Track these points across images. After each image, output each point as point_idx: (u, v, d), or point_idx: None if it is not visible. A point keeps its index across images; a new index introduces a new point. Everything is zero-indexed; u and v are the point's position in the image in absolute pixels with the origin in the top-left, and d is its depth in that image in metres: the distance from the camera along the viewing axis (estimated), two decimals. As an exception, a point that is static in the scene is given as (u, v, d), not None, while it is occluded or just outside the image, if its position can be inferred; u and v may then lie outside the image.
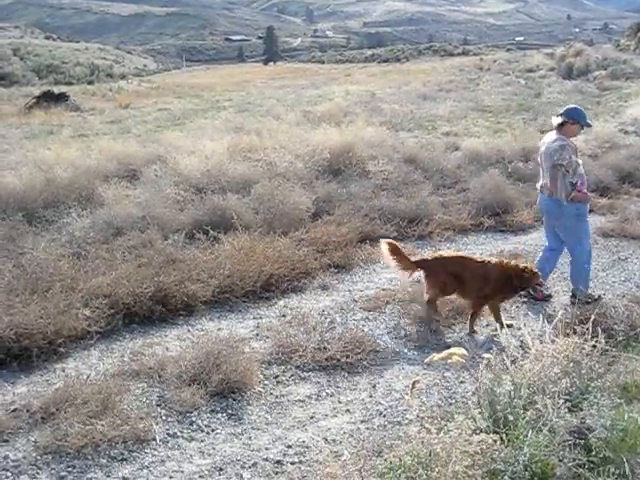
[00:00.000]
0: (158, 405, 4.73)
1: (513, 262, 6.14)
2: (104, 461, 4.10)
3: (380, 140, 12.85)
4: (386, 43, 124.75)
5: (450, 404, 4.66)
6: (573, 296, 6.31)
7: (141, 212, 8.34)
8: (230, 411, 4.69)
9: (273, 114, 18.93)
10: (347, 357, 5.31)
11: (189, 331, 5.96)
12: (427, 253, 6.67)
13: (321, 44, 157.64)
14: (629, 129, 15.43)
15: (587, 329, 4.04)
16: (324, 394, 4.92)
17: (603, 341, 4.01)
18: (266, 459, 4.15)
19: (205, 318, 6.23)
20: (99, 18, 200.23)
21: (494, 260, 6.10)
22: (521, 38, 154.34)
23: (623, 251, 7.96)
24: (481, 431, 3.36)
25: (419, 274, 6.16)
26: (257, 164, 10.62)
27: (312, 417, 4.63)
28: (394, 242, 6.18)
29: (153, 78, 54.86)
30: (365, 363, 5.33)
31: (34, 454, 4.16)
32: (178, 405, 4.67)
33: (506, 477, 3.07)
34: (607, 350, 4.13)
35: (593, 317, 4.19)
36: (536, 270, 6.07)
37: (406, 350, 5.60)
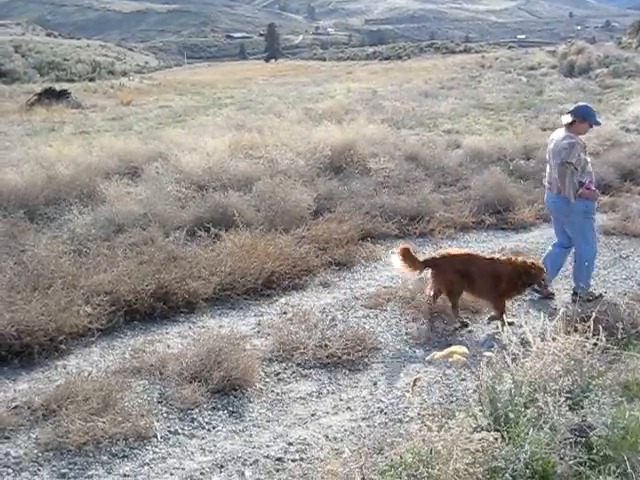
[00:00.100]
0: (159, 402, 4.74)
1: (520, 258, 6.14)
2: (105, 458, 4.11)
3: (381, 138, 12.84)
4: (388, 40, 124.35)
5: (451, 402, 4.66)
6: (574, 294, 6.30)
7: (142, 209, 8.35)
8: (231, 408, 4.70)
9: (274, 111, 18.91)
10: (348, 354, 5.31)
11: (190, 328, 5.97)
12: (435, 251, 6.65)
13: (323, 41, 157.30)
14: (631, 127, 15.42)
15: (588, 327, 4.04)
16: (325, 391, 4.93)
17: (604, 339, 4.01)
18: (267, 456, 4.16)
19: (206, 315, 6.23)
20: (100, 15, 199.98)
21: (503, 257, 6.11)
22: (523, 36, 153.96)
23: (624, 249, 7.96)
24: (482, 429, 3.36)
25: (425, 272, 6.16)
26: (258, 161, 10.62)
27: (313, 414, 4.64)
28: (408, 247, 6.08)
29: (154, 75, 54.79)
30: (366, 360, 5.33)
31: (35, 451, 4.17)
32: (179, 402, 4.67)
33: (507, 475, 3.07)
34: (608, 348, 4.12)
35: (594, 315, 4.18)
36: (542, 266, 6.09)
37: (407, 348, 5.60)
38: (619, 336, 4.38)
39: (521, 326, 4.22)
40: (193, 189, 9.35)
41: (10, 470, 4.01)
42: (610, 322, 4.91)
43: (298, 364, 5.28)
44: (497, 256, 6.18)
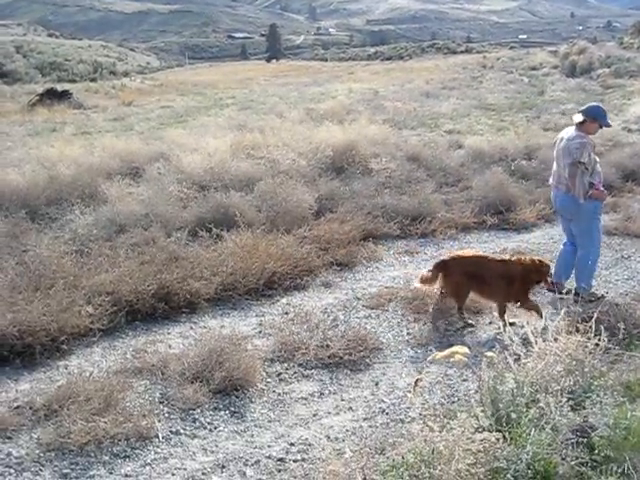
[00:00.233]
0: (161, 402, 4.74)
1: (527, 257, 6.16)
2: (107, 458, 4.11)
3: (383, 138, 12.83)
4: (389, 41, 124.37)
5: (453, 402, 4.66)
6: (576, 294, 6.29)
7: (144, 209, 8.35)
8: (233, 408, 4.70)
9: (276, 112, 18.92)
10: (350, 355, 5.31)
11: (192, 328, 5.97)
12: (446, 253, 6.68)
13: (324, 42, 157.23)
14: (632, 127, 15.41)
15: (590, 327, 4.04)
16: (327, 392, 4.93)
17: (606, 339, 4.01)
18: (269, 456, 4.16)
19: (208, 316, 6.23)
20: (102, 15, 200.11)
21: (513, 258, 6.12)
22: (524, 36, 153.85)
23: (626, 249, 7.95)
24: (484, 429, 3.36)
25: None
26: (260, 162, 10.61)
27: (315, 415, 4.63)
28: (424, 277, 6.21)
29: (156, 75, 54.81)
30: (368, 361, 5.33)
31: (37, 451, 4.17)
32: (181, 402, 4.67)
33: (509, 475, 3.07)
34: (610, 348, 4.12)
35: (596, 315, 4.18)
36: (548, 263, 6.14)
37: (409, 348, 5.60)
38: (621, 336, 4.38)
39: (523, 326, 4.22)
40: (195, 189, 9.34)
41: (12, 470, 4.01)
42: (612, 322, 4.91)
43: (300, 364, 5.28)
44: (507, 257, 6.19)
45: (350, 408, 4.71)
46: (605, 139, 12.91)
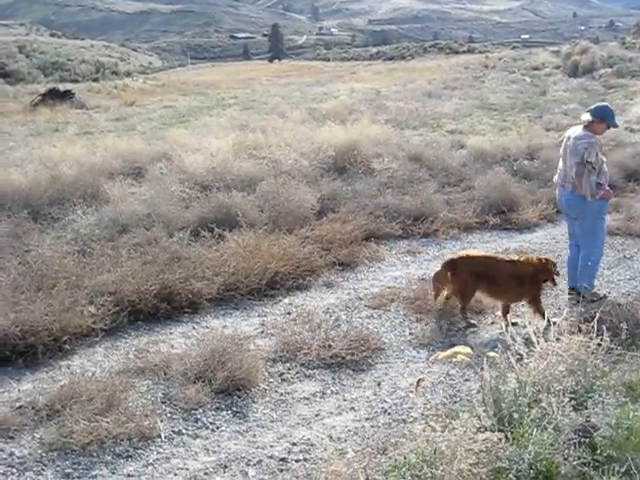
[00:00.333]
0: (163, 402, 4.74)
1: (534, 257, 6.16)
2: (109, 458, 4.11)
3: (385, 138, 12.83)
4: (391, 41, 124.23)
5: (455, 402, 4.65)
6: (578, 294, 6.29)
7: (146, 209, 8.35)
8: (235, 408, 4.70)
9: (278, 112, 18.92)
10: (352, 355, 5.31)
11: (194, 328, 5.97)
12: (455, 252, 6.70)
13: (326, 42, 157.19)
14: (635, 127, 15.41)
15: (592, 327, 4.03)
16: (329, 392, 4.93)
17: (608, 339, 4.01)
18: (271, 456, 4.16)
19: (210, 316, 6.23)
20: (104, 15, 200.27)
21: (522, 258, 6.11)
22: (527, 36, 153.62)
23: (628, 249, 7.94)
24: (486, 429, 3.36)
25: (430, 271, 6.19)
26: (262, 162, 10.62)
27: (317, 415, 4.63)
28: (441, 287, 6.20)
29: (158, 75, 54.88)
30: (370, 361, 5.33)
31: (39, 451, 4.17)
32: (183, 402, 4.68)
33: (511, 475, 3.07)
34: (612, 348, 4.12)
35: (598, 315, 4.18)
36: (554, 261, 6.16)
37: (411, 348, 5.60)
38: (623, 336, 4.37)
39: (525, 326, 4.23)
40: (197, 189, 9.35)
41: (14, 470, 4.01)
42: (614, 322, 4.90)
43: (302, 364, 5.28)
44: (516, 257, 6.19)
45: (352, 408, 4.71)
46: (608, 139, 12.89)
